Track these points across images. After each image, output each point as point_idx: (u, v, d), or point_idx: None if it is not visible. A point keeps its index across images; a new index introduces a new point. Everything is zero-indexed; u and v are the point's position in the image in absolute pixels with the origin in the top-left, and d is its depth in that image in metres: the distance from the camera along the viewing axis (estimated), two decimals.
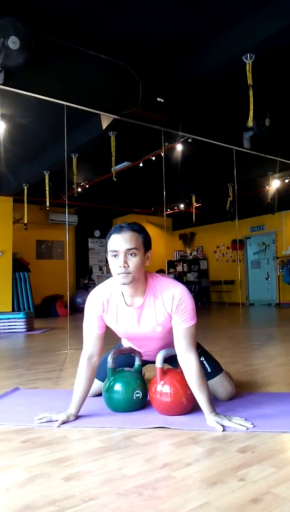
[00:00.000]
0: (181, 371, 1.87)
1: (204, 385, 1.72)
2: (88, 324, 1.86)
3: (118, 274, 1.70)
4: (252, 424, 1.64)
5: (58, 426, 1.70)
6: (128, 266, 1.69)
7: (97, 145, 5.60)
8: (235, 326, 6.02)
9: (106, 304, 1.83)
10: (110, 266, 1.75)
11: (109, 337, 1.96)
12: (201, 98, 4.88)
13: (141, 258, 1.72)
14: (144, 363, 2.17)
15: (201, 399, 1.70)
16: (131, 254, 1.70)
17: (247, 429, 1.60)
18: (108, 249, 1.74)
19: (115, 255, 1.71)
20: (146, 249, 1.76)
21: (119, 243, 1.70)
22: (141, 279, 1.76)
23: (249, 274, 11.25)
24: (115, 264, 1.71)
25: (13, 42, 3.35)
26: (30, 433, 1.66)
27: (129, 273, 1.69)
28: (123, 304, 1.81)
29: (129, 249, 1.69)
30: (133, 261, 1.69)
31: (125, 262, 1.68)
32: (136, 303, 1.80)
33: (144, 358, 2.13)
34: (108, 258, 1.76)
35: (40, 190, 7.23)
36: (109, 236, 1.75)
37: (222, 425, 1.61)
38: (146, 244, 1.76)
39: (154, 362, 1.94)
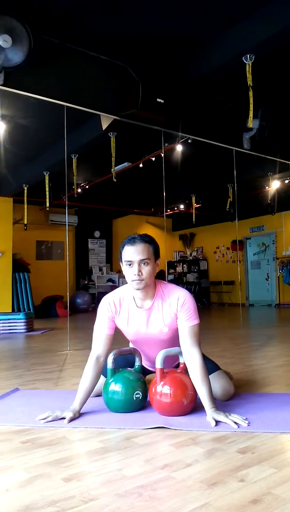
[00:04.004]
0: (181, 371, 1.89)
1: (206, 379, 1.80)
2: (99, 325, 1.99)
3: (133, 281, 1.89)
4: (248, 423, 1.67)
5: (68, 422, 1.76)
6: (142, 274, 1.88)
7: (97, 146, 5.60)
8: (235, 327, 6.02)
9: (119, 306, 1.99)
10: (124, 273, 1.95)
11: (117, 341, 1.97)
12: (201, 98, 4.88)
13: (152, 266, 1.92)
14: (147, 372, 2.23)
15: (203, 393, 1.77)
16: (144, 264, 1.90)
17: (239, 426, 1.64)
18: (123, 259, 1.93)
19: (129, 265, 1.90)
20: (156, 258, 1.96)
21: (133, 254, 1.89)
22: (151, 284, 1.94)
23: (249, 275, 11.25)
24: (129, 272, 1.90)
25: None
26: (30, 433, 1.66)
27: (142, 280, 1.89)
28: (134, 306, 1.98)
29: (142, 260, 1.89)
30: (145, 270, 1.89)
31: (139, 271, 1.88)
32: (146, 306, 1.97)
33: (149, 367, 2.20)
34: (122, 266, 1.95)
35: (40, 190, 7.23)
36: (123, 247, 1.94)
37: (217, 421, 1.68)
38: (156, 253, 1.96)
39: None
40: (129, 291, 1.98)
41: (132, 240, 1.92)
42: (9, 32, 3.32)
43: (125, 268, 1.93)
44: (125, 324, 1.99)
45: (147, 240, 1.94)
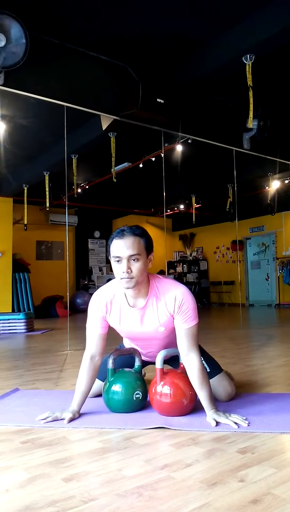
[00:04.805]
0: (181, 371, 1.88)
1: (205, 383, 1.76)
2: (91, 325, 1.89)
3: (122, 279, 1.72)
4: (248, 423, 1.66)
5: (68, 423, 1.72)
6: (131, 271, 1.70)
7: (97, 146, 5.60)
8: (235, 327, 6.02)
9: (110, 305, 1.85)
10: (113, 270, 1.77)
11: (111, 338, 1.97)
12: (201, 99, 4.89)
13: (143, 262, 1.73)
14: (145, 364, 2.18)
15: (202, 396, 1.74)
16: (134, 260, 1.71)
17: (239, 427, 1.63)
18: (111, 254, 1.74)
19: (118, 261, 1.72)
20: (148, 253, 1.77)
21: (121, 249, 1.71)
22: (143, 281, 1.78)
23: (249, 275, 11.25)
24: (118, 269, 1.73)
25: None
26: (30, 433, 1.66)
27: (132, 278, 1.71)
28: (126, 305, 1.84)
29: (131, 255, 1.70)
30: (136, 266, 1.71)
31: (129, 267, 1.70)
32: (139, 304, 1.83)
33: (146, 359, 2.14)
34: (111, 262, 1.77)
35: (40, 190, 7.23)
36: (111, 241, 1.75)
37: (217, 421, 1.65)
38: (148, 247, 1.77)
39: (154, 363, 1.94)
40: (121, 288, 1.81)
41: (120, 233, 1.72)
42: (6, 32, 3.32)
43: (113, 264, 1.74)
44: (117, 323, 1.88)
45: (138, 233, 1.73)
